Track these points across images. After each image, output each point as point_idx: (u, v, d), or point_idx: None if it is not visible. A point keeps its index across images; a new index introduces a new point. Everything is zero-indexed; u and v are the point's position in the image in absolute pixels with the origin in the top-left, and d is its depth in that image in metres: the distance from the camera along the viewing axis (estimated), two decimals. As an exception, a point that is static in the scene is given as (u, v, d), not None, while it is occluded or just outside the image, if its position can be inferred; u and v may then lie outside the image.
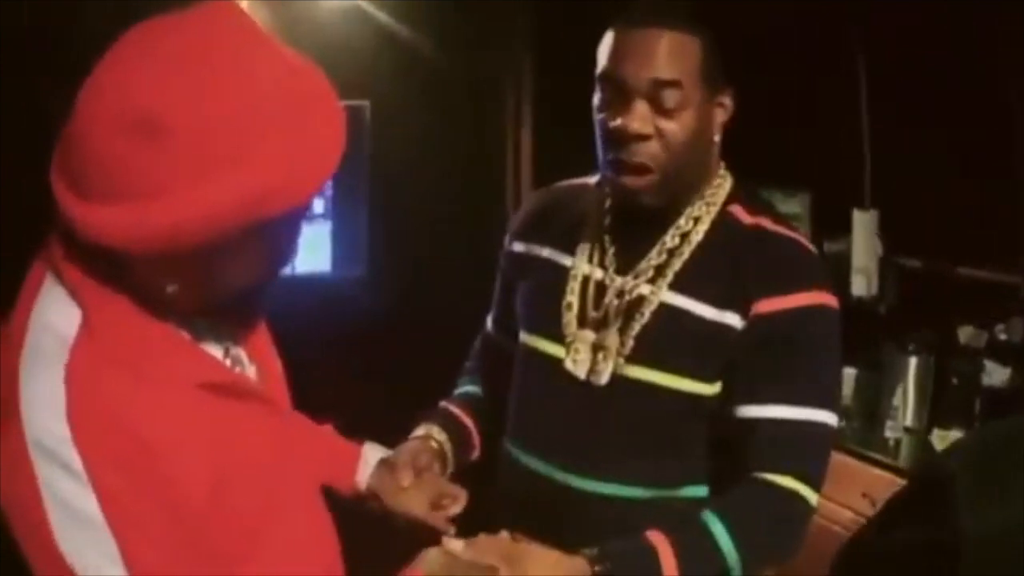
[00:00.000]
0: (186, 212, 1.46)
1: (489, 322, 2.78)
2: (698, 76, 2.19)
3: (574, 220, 2.47)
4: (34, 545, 1.51)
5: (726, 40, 2.25)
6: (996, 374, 4.45)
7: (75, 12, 4.57)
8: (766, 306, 2.21)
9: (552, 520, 2.27)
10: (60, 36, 4.58)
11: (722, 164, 2.38)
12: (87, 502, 1.49)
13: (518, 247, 2.57)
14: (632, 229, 2.35)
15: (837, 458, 3.51)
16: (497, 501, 2.46)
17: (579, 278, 2.38)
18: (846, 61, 5.02)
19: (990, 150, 4.40)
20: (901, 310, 4.99)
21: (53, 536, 1.49)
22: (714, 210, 2.33)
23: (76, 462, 1.48)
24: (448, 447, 2.51)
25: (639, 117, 2.19)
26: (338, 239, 5.50)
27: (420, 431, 2.53)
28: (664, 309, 2.27)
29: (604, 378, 2.29)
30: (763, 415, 2.22)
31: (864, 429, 4.76)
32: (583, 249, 2.41)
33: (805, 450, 2.23)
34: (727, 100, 2.29)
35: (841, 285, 2.27)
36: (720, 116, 2.29)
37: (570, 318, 2.36)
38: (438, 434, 2.52)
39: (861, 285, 4.94)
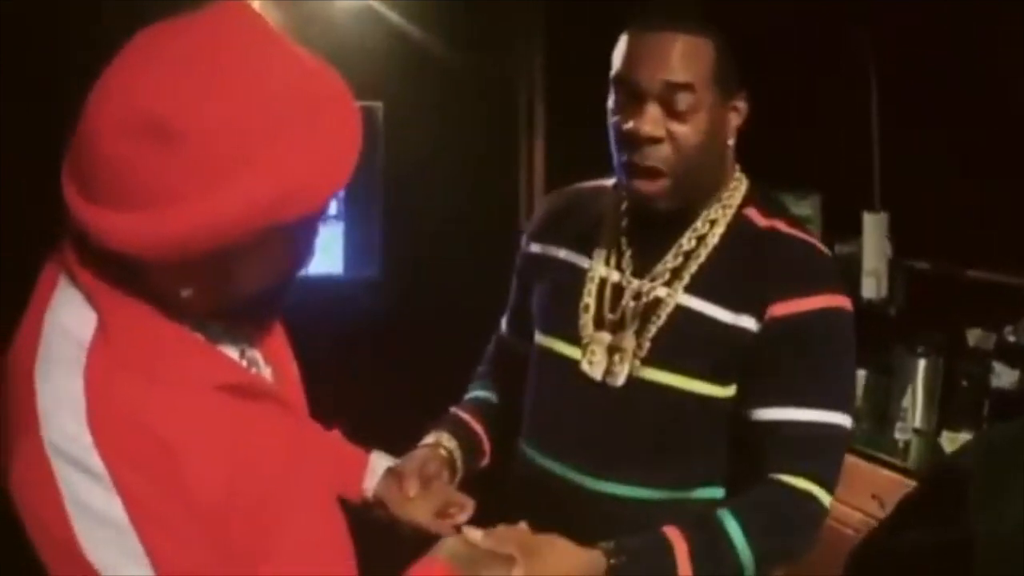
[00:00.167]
0: (200, 218, 1.45)
1: (504, 324, 2.78)
2: (711, 80, 2.19)
3: (591, 222, 2.47)
4: (56, 550, 1.50)
5: (736, 43, 2.25)
6: (1005, 376, 4.46)
7: (85, 14, 4.57)
8: (781, 309, 2.22)
9: (567, 521, 2.27)
10: (69, 38, 4.60)
11: (737, 167, 2.39)
12: (112, 505, 1.48)
13: (535, 248, 2.57)
14: (649, 231, 2.35)
15: (847, 459, 3.50)
16: (512, 501, 2.46)
17: (596, 280, 2.39)
18: (856, 64, 5.02)
19: (999, 153, 4.40)
20: (910, 312, 4.99)
21: (78, 541, 1.48)
22: (730, 213, 2.34)
23: (98, 466, 1.47)
24: (458, 454, 2.51)
25: (651, 120, 2.19)
26: (350, 241, 5.49)
27: (429, 438, 2.52)
28: (680, 312, 2.28)
29: (620, 380, 2.30)
30: (778, 417, 2.23)
31: (874, 431, 4.77)
32: (600, 251, 2.41)
33: (820, 452, 2.24)
34: (741, 104, 2.29)
35: (851, 287, 2.28)
36: (734, 120, 2.29)
37: (587, 320, 2.37)
38: (447, 441, 2.51)
39: (871, 287, 4.94)
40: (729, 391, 2.28)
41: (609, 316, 2.35)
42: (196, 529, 1.56)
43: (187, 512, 1.54)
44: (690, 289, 2.29)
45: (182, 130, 1.42)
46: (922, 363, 4.69)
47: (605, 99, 2.29)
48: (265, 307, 1.80)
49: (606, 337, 2.34)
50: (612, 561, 2.07)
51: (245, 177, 1.45)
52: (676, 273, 2.31)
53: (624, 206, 2.41)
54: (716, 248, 2.31)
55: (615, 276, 2.38)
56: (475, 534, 2.04)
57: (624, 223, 2.41)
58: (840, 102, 5.18)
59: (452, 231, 5.66)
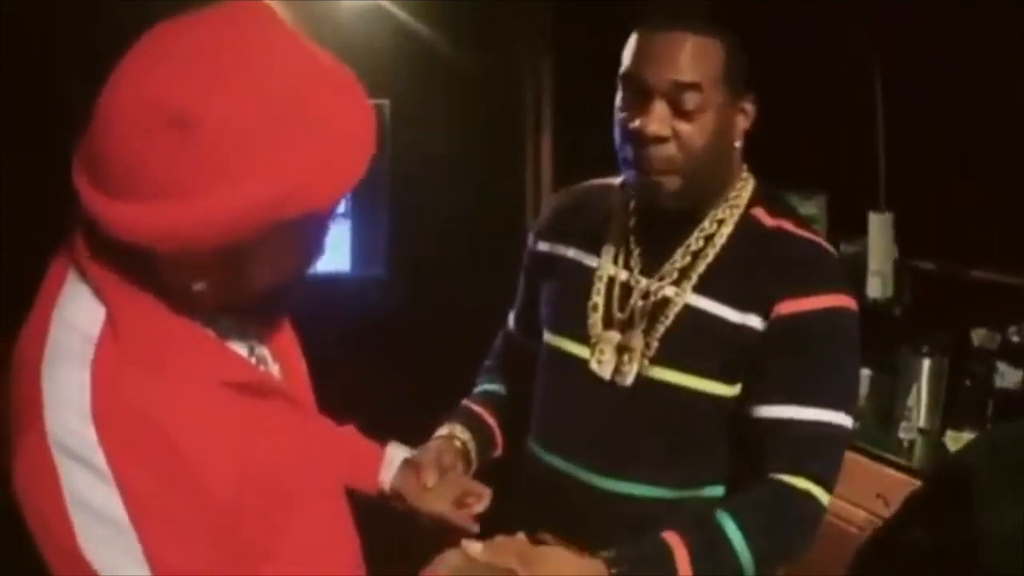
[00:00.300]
0: (212, 210, 1.44)
1: (511, 321, 2.79)
2: (719, 80, 2.20)
3: (599, 221, 2.48)
4: (55, 547, 1.50)
5: (742, 44, 2.26)
6: (1009, 376, 4.46)
7: (95, 9, 4.58)
8: (786, 307, 2.23)
9: (575, 519, 2.28)
10: (70, 38, 4.60)
11: (744, 166, 2.39)
12: (111, 502, 1.47)
13: (543, 247, 2.58)
14: (657, 231, 2.36)
15: (852, 458, 3.52)
16: (521, 499, 2.47)
17: (604, 279, 2.40)
18: (860, 65, 5.02)
19: (1004, 153, 4.39)
20: (916, 312, 4.99)
21: (76, 537, 1.47)
22: (737, 212, 2.34)
23: (101, 463, 1.47)
24: (471, 445, 2.52)
25: (657, 119, 2.19)
26: (357, 238, 5.50)
27: (443, 430, 2.54)
28: (688, 311, 2.29)
29: (629, 379, 2.31)
30: (779, 415, 2.23)
31: (878, 430, 4.76)
32: (608, 250, 2.42)
33: (820, 451, 2.24)
34: (749, 106, 2.29)
35: (856, 287, 2.28)
36: (741, 122, 2.29)
37: (596, 319, 2.38)
38: (461, 433, 2.53)
39: (876, 287, 4.94)
40: (735, 390, 2.28)
41: (618, 315, 2.36)
42: (199, 529, 1.55)
43: (190, 511, 1.54)
44: (698, 289, 2.30)
45: (197, 123, 1.42)
46: (927, 363, 4.68)
47: (613, 98, 2.29)
48: (275, 303, 1.80)
49: (615, 336, 2.35)
50: (613, 570, 2.07)
51: (258, 171, 1.45)
52: (684, 273, 2.32)
53: (632, 205, 2.42)
54: (724, 248, 2.32)
55: (623, 275, 2.38)
56: (474, 547, 2.03)
57: (632, 222, 2.42)
58: (845, 103, 5.18)
59: (459, 229, 5.67)
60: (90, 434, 1.47)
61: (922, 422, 4.68)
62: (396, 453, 2.38)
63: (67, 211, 1.58)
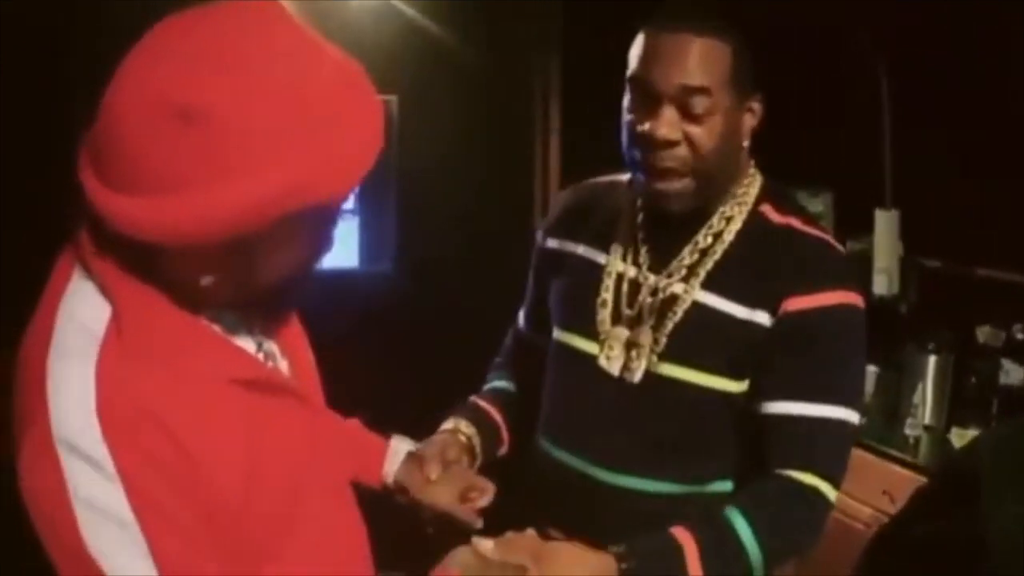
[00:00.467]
0: (220, 204, 1.44)
1: (520, 318, 2.79)
2: (727, 82, 2.20)
3: (607, 217, 2.48)
4: (60, 545, 1.49)
5: (749, 43, 2.26)
6: (1013, 373, 4.47)
7: (98, 8, 4.58)
8: (794, 304, 2.23)
9: (584, 515, 2.28)
10: (71, 36, 4.60)
11: (752, 163, 2.39)
12: (117, 500, 1.46)
13: (552, 243, 2.58)
14: (665, 228, 2.36)
15: (858, 455, 3.52)
16: (529, 495, 2.47)
17: (613, 276, 2.40)
18: (866, 63, 5.02)
19: (1010, 152, 4.40)
20: (921, 309, 4.99)
21: (81, 534, 1.46)
22: (745, 210, 2.35)
23: (106, 460, 1.46)
24: (476, 441, 2.52)
25: (667, 123, 2.19)
26: (365, 234, 5.50)
27: (448, 424, 2.54)
28: (697, 308, 2.29)
29: (638, 376, 2.32)
30: (787, 411, 2.24)
31: (885, 427, 4.76)
32: (617, 247, 2.43)
33: (827, 447, 2.25)
34: (756, 105, 2.29)
35: (862, 284, 2.29)
36: (749, 121, 2.30)
37: (604, 316, 2.38)
38: (466, 428, 2.53)
39: (882, 284, 4.95)
40: (743, 386, 2.29)
41: (626, 312, 2.37)
42: (205, 526, 1.54)
43: (196, 509, 1.53)
44: (706, 285, 2.30)
45: (203, 117, 1.41)
46: (932, 360, 4.69)
47: (620, 94, 2.29)
48: (283, 298, 1.77)
49: (623, 333, 2.35)
50: (623, 565, 2.08)
51: (265, 165, 1.45)
52: (692, 269, 2.32)
53: (640, 202, 2.42)
54: (732, 245, 2.32)
55: (632, 272, 2.39)
56: (486, 545, 2.03)
57: (640, 219, 2.42)
58: (850, 101, 5.19)
59: (466, 225, 5.67)
60: (95, 431, 1.46)
61: (927, 419, 4.68)
62: (400, 446, 2.37)
63: (66, 213, 1.58)
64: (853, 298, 2.28)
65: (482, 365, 2.85)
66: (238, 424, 1.60)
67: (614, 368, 2.35)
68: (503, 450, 2.65)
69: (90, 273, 1.57)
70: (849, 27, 4.99)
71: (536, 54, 5.83)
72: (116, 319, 1.53)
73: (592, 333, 2.39)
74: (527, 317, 2.76)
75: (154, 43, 1.51)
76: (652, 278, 2.36)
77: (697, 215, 2.33)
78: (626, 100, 2.28)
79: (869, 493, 4.27)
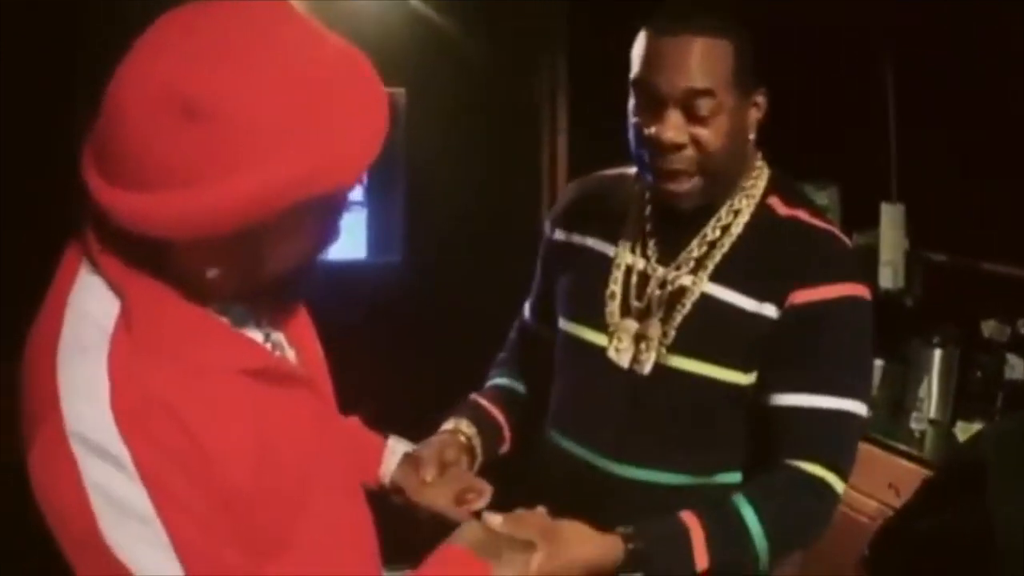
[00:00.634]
0: (226, 197, 1.44)
1: (527, 310, 2.79)
2: (731, 81, 2.20)
3: (615, 210, 2.48)
4: (79, 541, 1.48)
5: (755, 38, 2.26)
6: (1018, 368, 4.48)
7: (101, 7, 4.58)
8: (800, 296, 2.24)
9: (592, 506, 2.28)
10: (78, 28, 4.60)
11: (759, 155, 2.40)
12: (136, 493, 1.46)
13: (559, 235, 2.59)
14: (673, 220, 2.36)
15: (864, 448, 3.52)
16: (537, 487, 2.47)
17: (622, 267, 2.40)
18: (873, 58, 5.03)
19: (1016, 147, 4.40)
20: (927, 303, 5.00)
21: (101, 532, 1.46)
22: (753, 202, 2.35)
23: (122, 453, 1.45)
24: (477, 441, 2.51)
25: (673, 126, 2.20)
26: (373, 226, 5.48)
27: (448, 424, 2.52)
28: (705, 300, 2.30)
29: (647, 368, 2.32)
30: (794, 403, 2.24)
31: (890, 420, 4.77)
32: (625, 239, 2.43)
33: (835, 439, 2.26)
34: (760, 99, 2.29)
35: (868, 277, 2.29)
36: (754, 115, 2.30)
37: (613, 308, 2.39)
38: (467, 428, 2.52)
39: (888, 277, 4.96)
40: (752, 378, 2.30)
41: (635, 304, 2.37)
42: (222, 516, 1.54)
43: (213, 499, 1.53)
44: (715, 278, 2.31)
45: (209, 109, 1.41)
46: (938, 354, 4.69)
47: (626, 86, 2.29)
48: (290, 289, 1.78)
49: (632, 325, 2.36)
50: (630, 546, 2.09)
51: (270, 157, 1.44)
52: (700, 262, 2.33)
53: (648, 194, 2.42)
54: (740, 237, 2.33)
55: (640, 264, 2.39)
56: (495, 519, 2.05)
57: (648, 211, 2.42)
58: (857, 95, 5.19)
59: (474, 217, 5.67)
60: (110, 425, 1.46)
61: (933, 413, 4.68)
62: (397, 447, 2.37)
63: (65, 213, 1.59)
64: (860, 290, 2.28)
65: (488, 357, 2.85)
66: (248, 414, 1.60)
67: (624, 360, 2.35)
68: (504, 448, 2.64)
69: (97, 268, 1.57)
70: (855, 22, 4.99)
71: (542, 47, 5.82)
72: (125, 313, 1.53)
73: (601, 325, 2.40)
74: (533, 308, 2.76)
75: (157, 38, 1.50)
76: (661, 270, 2.36)
77: (705, 208, 2.33)
78: (631, 102, 2.29)
79: (875, 486, 4.27)
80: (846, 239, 2.37)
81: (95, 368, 1.49)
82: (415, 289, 5.50)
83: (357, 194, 5.31)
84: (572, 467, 2.43)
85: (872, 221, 4.99)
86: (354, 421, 2.36)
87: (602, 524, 2.13)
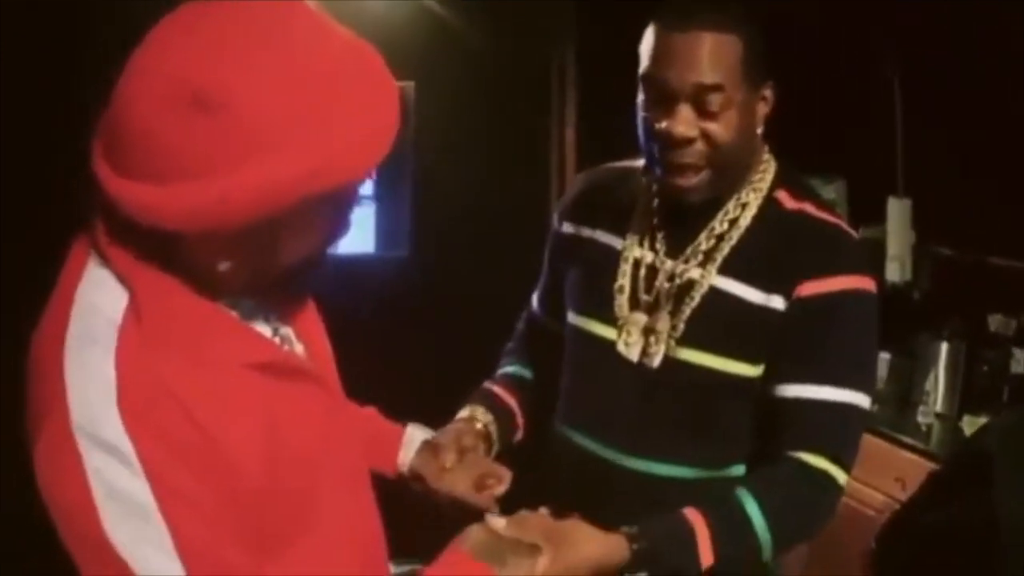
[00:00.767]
0: (237, 190, 1.44)
1: (535, 303, 2.79)
2: (740, 76, 2.20)
3: (623, 203, 2.49)
4: (81, 537, 1.47)
5: (761, 31, 2.26)
6: (1024, 362, 4.48)
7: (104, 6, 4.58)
8: (807, 289, 2.24)
9: (600, 498, 2.29)
10: (87, 20, 4.60)
11: (765, 148, 2.40)
12: (138, 489, 1.45)
13: (567, 228, 2.59)
14: (681, 214, 2.37)
15: (871, 442, 3.52)
16: (546, 479, 2.48)
17: (630, 261, 2.41)
18: (879, 51, 5.03)
19: (1022, 141, 4.39)
20: (933, 297, 5.00)
21: (102, 526, 1.45)
22: (761, 195, 2.35)
23: (127, 448, 1.44)
24: (493, 428, 2.52)
25: (683, 121, 2.20)
26: (382, 220, 5.48)
27: (464, 412, 2.53)
28: (714, 293, 2.31)
29: (656, 361, 2.33)
30: (798, 395, 2.25)
31: (897, 414, 4.78)
32: (633, 232, 2.43)
33: (838, 431, 2.26)
34: (768, 93, 2.30)
35: (875, 271, 2.29)
36: (762, 109, 2.30)
37: (622, 301, 2.39)
38: (482, 415, 2.53)
39: (895, 272, 4.96)
40: (760, 370, 2.30)
41: (644, 297, 2.38)
42: (227, 512, 1.53)
43: (218, 495, 1.52)
44: (723, 271, 2.31)
45: (222, 101, 1.42)
46: (944, 348, 4.69)
47: (635, 79, 2.29)
48: (298, 283, 1.78)
49: (641, 318, 2.36)
50: (635, 546, 2.09)
51: (283, 148, 1.44)
52: (709, 255, 2.33)
53: (655, 187, 2.43)
54: (747, 230, 2.33)
55: (649, 257, 2.40)
56: (498, 522, 2.04)
57: (656, 204, 2.43)
58: (864, 89, 5.19)
59: (482, 210, 5.66)
60: (115, 419, 1.45)
61: (939, 406, 4.69)
62: (416, 434, 2.36)
63: (88, 195, 1.57)
64: (866, 283, 2.29)
65: (496, 350, 2.85)
66: (257, 408, 1.59)
67: (633, 354, 2.36)
68: (519, 436, 2.65)
69: (106, 261, 1.56)
70: (861, 17, 4.98)
71: (551, 40, 5.82)
72: (134, 306, 1.53)
73: (610, 318, 2.40)
74: (541, 301, 2.76)
75: (169, 30, 1.51)
76: (669, 263, 2.37)
77: (713, 201, 2.34)
78: (640, 97, 2.29)
79: (881, 480, 4.28)
80: (853, 232, 2.38)
81: (102, 361, 1.48)
82: (423, 283, 5.50)
83: (366, 188, 5.25)
84: (581, 461, 2.43)
85: (879, 216, 4.99)
86: (371, 411, 2.36)
87: (611, 517, 2.13)
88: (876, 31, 4.99)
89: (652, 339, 2.34)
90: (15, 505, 1.51)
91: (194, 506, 1.49)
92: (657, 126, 2.23)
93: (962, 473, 2.26)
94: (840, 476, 2.24)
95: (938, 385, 4.70)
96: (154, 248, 1.54)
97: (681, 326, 2.31)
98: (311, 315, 1.89)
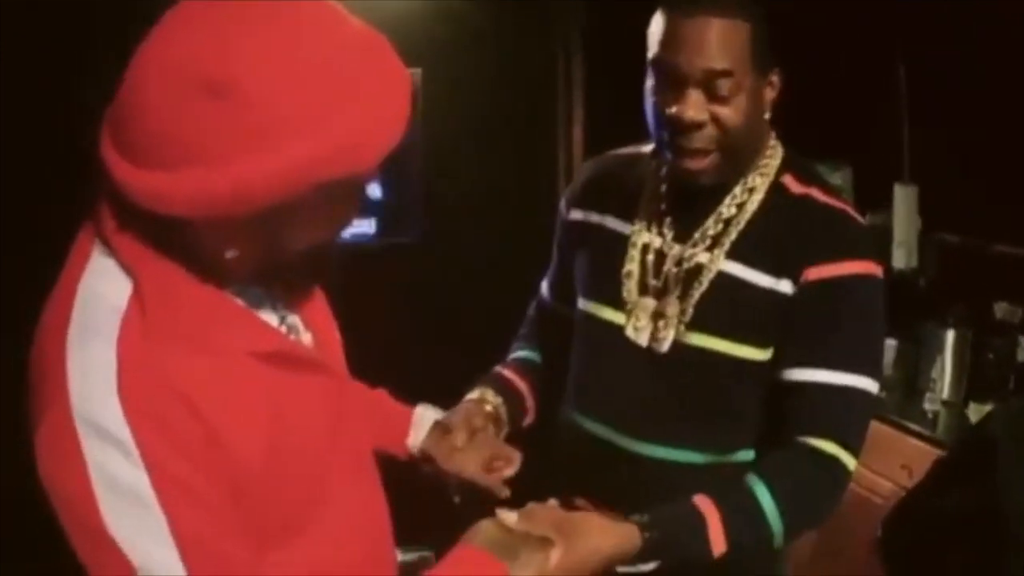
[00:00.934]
0: (246, 176, 1.44)
1: (545, 289, 2.80)
2: (749, 61, 2.21)
3: (631, 189, 2.49)
4: (80, 526, 1.47)
5: (770, 19, 2.27)
6: (1030, 351, 4.48)
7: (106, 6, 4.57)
8: (814, 273, 2.25)
9: (612, 484, 2.30)
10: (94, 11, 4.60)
11: (772, 134, 2.41)
12: (138, 481, 1.45)
13: (576, 215, 2.60)
14: (689, 198, 2.37)
15: (877, 429, 3.53)
16: (556, 465, 2.49)
17: (639, 246, 2.42)
18: (886, 37, 5.02)
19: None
20: (939, 284, 4.99)
21: (102, 518, 1.45)
22: (768, 180, 2.36)
23: (127, 438, 1.45)
24: (503, 410, 2.53)
25: (693, 105, 2.21)
26: (390, 205, 5.46)
27: (474, 394, 2.54)
28: (722, 277, 2.31)
29: (665, 346, 2.34)
30: (807, 379, 2.26)
31: (903, 401, 4.77)
32: (641, 217, 2.44)
33: (846, 416, 2.27)
34: (776, 78, 2.30)
35: (881, 258, 2.30)
36: (770, 94, 2.31)
37: (631, 286, 2.40)
38: (492, 397, 2.53)
39: (901, 258, 4.95)
40: (768, 355, 2.31)
41: (652, 282, 2.38)
42: (227, 504, 1.53)
43: (220, 487, 1.52)
44: (731, 255, 2.32)
45: (231, 89, 1.41)
46: (951, 335, 4.67)
47: (643, 69, 2.30)
48: (306, 271, 1.77)
49: (650, 303, 2.37)
50: (646, 535, 2.09)
51: (291, 136, 1.44)
52: (717, 239, 2.34)
53: (663, 172, 2.43)
54: (755, 214, 2.34)
55: (657, 242, 2.40)
56: (509, 517, 2.02)
57: (664, 189, 2.43)
58: (870, 75, 5.18)
59: (491, 196, 5.67)
60: (116, 409, 1.45)
61: (946, 394, 4.67)
62: (426, 414, 2.36)
63: (94, 183, 1.57)
64: (872, 268, 2.29)
65: (506, 336, 2.86)
66: (261, 398, 1.59)
67: (642, 339, 2.37)
68: (528, 419, 2.66)
69: (110, 250, 1.56)
70: (868, 4, 4.97)
71: (559, 26, 5.80)
72: (138, 295, 1.53)
73: (619, 303, 2.41)
74: (551, 287, 2.77)
75: (179, 17, 1.50)
76: (677, 248, 2.37)
77: (721, 186, 2.35)
78: (649, 82, 2.30)
79: (888, 467, 4.27)
80: (859, 217, 2.38)
81: (104, 350, 1.49)
82: (432, 269, 5.49)
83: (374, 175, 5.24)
84: (591, 446, 2.44)
85: (885, 202, 4.99)
86: (381, 393, 2.37)
87: (620, 502, 2.14)
88: (882, 19, 4.98)
89: (661, 324, 2.34)
90: (16, 499, 1.50)
91: (194, 496, 1.49)
92: (667, 111, 2.23)
93: (967, 460, 2.26)
94: (849, 461, 2.24)
95: (944, 372, 4.69)
96: (160, 236, 1.54)
97: (690, 310, 2.32)
98: (319, 303, 1.89)
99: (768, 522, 2.18)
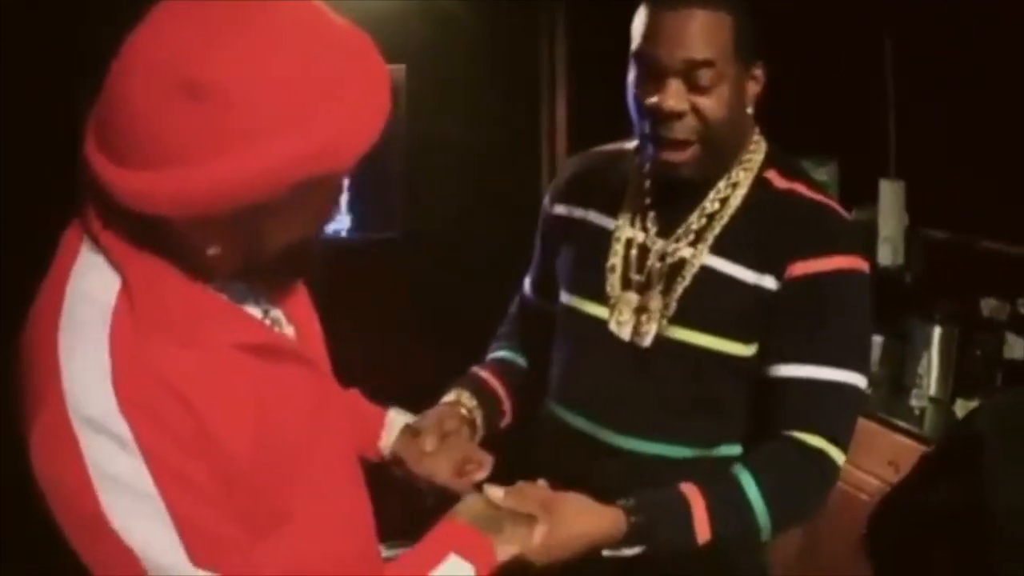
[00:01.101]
0: (227, 175, 1.44)
1: (527, 285, 2.80)
2: (731, 53, 2.21)
3: (615, 184, 2.49)
4: (78, 518, 1.48)
5: (755, 12, 2.27)
6: (1018, 347, 4.49)
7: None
8: (799, 268, 2.25)
9: (594, 478, 2.29)
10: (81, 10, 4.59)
11: (756, 129, 2.41)
12: (138, 470, 1.47)
13: (559, 209, 2.59)
14: (672, 193, 2.37)
15: (864, 425, 3.53)
16: (539, 459, 2.48)
17: (622, 240, 2.41)
18: (872, 32, 5.03)
19: (1016, 124, 4.39)
20: (926, 280, 5.00)
21: (103, 511, 1.46)
22: (751, 175, 2.36)
23: (124, 431, 1.46)
24: (477, 413, 2.52)
25: (674, 95, 2.21)
26: (372, 202, 5.48)
27: (449, 396, 2.53)
28: (705, 272, 2.31)
29: (648, 340, 2.33)
30: (794, 374, 2.25)
31: (890, 397, 4.78)
32: (625, 212, 2.44)
33: (834, 410, 2.27)
34: (759, 72, 2.31)
35: (868, 254, 2.30)
36: (752, 88, 2.31)
37: (614, 280, 2.40)
38: (467, 400, 2.53)
39: (887, 254, 4.96)
40: (753, 350, 2.30)
41: (635, 277, 2.38)
42: (223, 492, 1.55)
43: (214, 476, 1.54)
44: (714, 250, 2.32)
45: (211, 89, 1.42)
46: (937, 331, 4.69)
47: (627, 61, 2.30)
48: (288, 266, 1.77)
49: (633, 297, 2.37)
50: (632, 519, 2.10)
51: (272, 135, 1.45)
52: (700, 234, 2.34)
53: (647, 167, 2.43)
54: (738, 209, 2.34)
55: (640, 237, 2.40)
56: (496, 492, 2.05)
57: (647, 185, 2.43)
58: (856, 70, 5.18)
59: (474, 193, 5.70)
60: (111, 402, 1.47)
61: (933, 390, 4.69)
62: (397, 418, 2.37)
63: (80, 182, 1.57)
64: (858, 263, 2.29)
65: (487, 333, 2.85)
66: (248, 390, 1.61)
67: (624, 333, 2.36)
68: (506, 421, 2.65)
69: (98, 247, 1.57)
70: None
71: (542, 22, 5.82)
72: (126, 291, 1.54)
73: (602, 298, 2.41)
74: (534, 284, 2.77)
75: (159, 18, 1.51)
76: (660, 243, 2.37)
77: (704, 180, 2.34)
78: (632, 74, 2.30)
79: (874, 463, 4.28)
80: (844, 212, 2.38)
81: (96, 346, 1.50)
82: (413, 265, 5.51)
83: (356, 171, 5.25)
84: (573, 439, 2.43)
85: (871, 198, 5.00)
86: (354, 393, 2.36)
87: (603, 496, 2.13)
88: (869, 14, 4.99)
89: (644, 318, 2.34)
90: (15, 499, 1.49)
91: (189, 484, 1.51)
92: (648, 101, 2.23)
93: (953, 454, 2.26)
94: (838, 456, 2.24)
95: (931, 369, 4.70)
96: (146, 233, 1.55)
97: (673, 305, 2.31)
98: (301, 297, 1.90)
99: (754, 513, 2.18)
